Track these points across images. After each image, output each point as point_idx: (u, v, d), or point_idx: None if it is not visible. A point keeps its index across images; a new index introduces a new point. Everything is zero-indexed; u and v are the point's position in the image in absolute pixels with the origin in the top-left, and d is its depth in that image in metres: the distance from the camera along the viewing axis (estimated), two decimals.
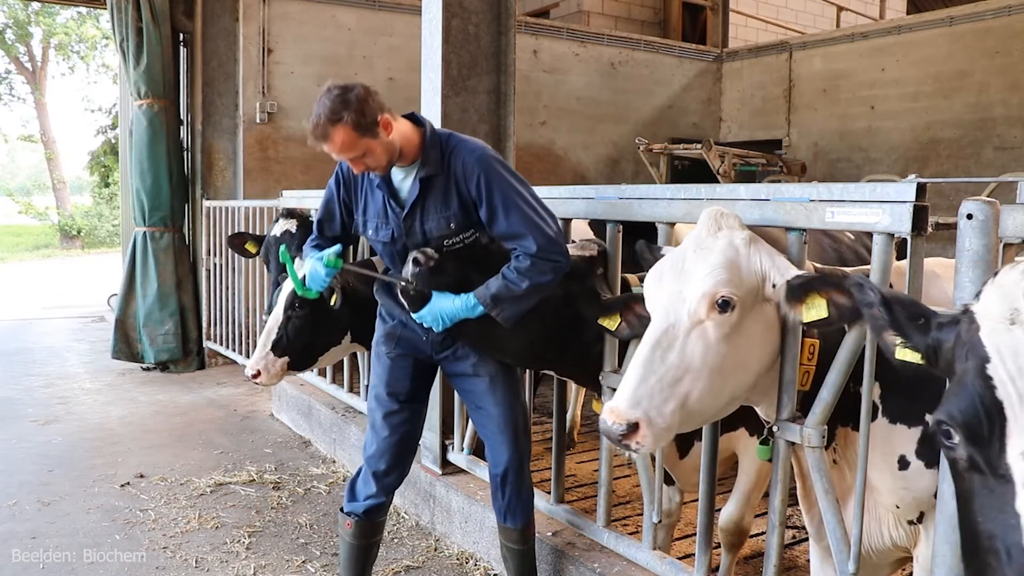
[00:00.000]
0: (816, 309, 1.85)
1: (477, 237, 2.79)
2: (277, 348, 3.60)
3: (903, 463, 2.03)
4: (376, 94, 2.65)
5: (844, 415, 2.10)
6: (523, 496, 2.98)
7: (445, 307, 2.63)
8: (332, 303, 3.63)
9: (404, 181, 2.80)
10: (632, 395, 1.77)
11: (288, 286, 3.70)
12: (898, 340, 1.43)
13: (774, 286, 1.91)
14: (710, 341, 1.83)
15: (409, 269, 2.62)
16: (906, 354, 1.43)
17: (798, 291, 1.86)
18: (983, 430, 1.16)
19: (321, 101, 2.58)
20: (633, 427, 1.76)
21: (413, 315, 2.69)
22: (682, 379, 1.80)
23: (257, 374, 3.62)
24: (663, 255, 2.13)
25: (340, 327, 3.91)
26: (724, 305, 1.82)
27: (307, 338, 3.78)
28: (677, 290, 1.88)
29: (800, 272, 1.91)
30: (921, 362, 1.40)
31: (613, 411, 1.77)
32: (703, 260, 1.88)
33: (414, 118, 2.79)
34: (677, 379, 1.80)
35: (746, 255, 1.90)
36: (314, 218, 3.08)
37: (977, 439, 1.17)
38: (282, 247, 2.90)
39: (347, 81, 2.63)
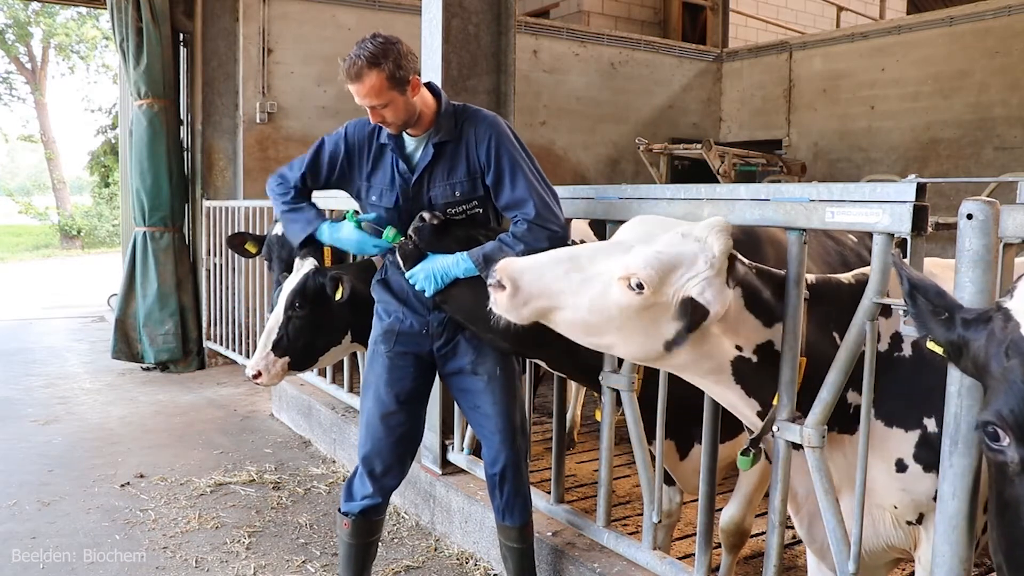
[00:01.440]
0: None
1: (480, 212, 2.83)
2: (278, 348, 3.60)
3: (900, 466, 2.03)
4: (414, 54, 2.73)
5: (831, 419, 2.10)
6: (521, 495, 2.98)
7: (437, 264, 2.64)
8: (339, 297, 3.63)
9: (416, 149, 2.84)
10: (528, 263, 2.00)
11: (289, 286, 3.70)
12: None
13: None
14: (614, 296, 1.90)
15: (413, 224, 2.68)
16: (934, 346, 1.40)
17: (679, 310, 1.92)
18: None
19: (363, 44, 2.65)
20: (499, 284, 1.98)
21: (407, 273, 2.70)
22: (566, 292, 1.95)
23: (258, 374, 3.61)
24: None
25: (340, 327, 3.91)
26: (639, 287, 1.87)
27: (308, 338, 3.78)
28: (630, 247, 1.96)
29: (699, 301, 1.93)
30: (944, 356, 1.37)
31: (503, 265, 2.01)
32: (659, 242, 1.95)
33: (431, 87, 2.85)
34: (565, 288, 1.95)
35: (693, 269, 1.91)
36: (289, 172, 3.01)
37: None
38: (349, 212, 2.93)
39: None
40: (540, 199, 2.69)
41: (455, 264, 2.63)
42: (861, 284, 2.20)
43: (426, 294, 2.69)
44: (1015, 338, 1.18)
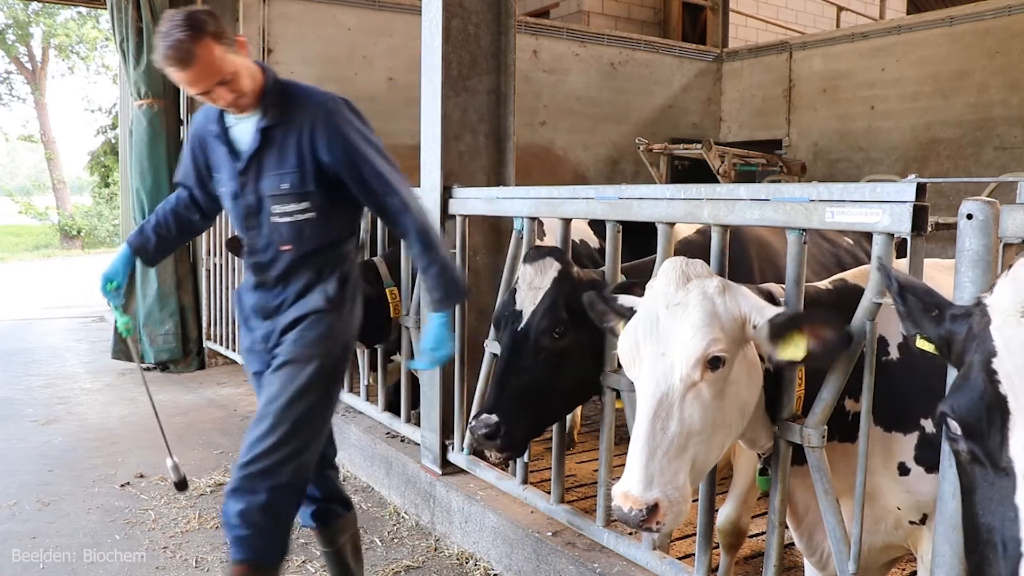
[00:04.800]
0: (794, 347, 1.81)
1: (313, 218, 2.55)
2: None
3: (903, 469, 2.04)
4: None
5: (831, 429, 2.11)
6: (254, 525, 2.53)
7: (434, 350, 2.62)
8: None
9: (243, 132, 2.55)
10: (644, 475, 1.69)
11: None
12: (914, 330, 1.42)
13: (755, 327, 1.86)
14: (707, 401, 1.77)
15: None
16: (924, 344, 1.43)
17: (782, 329, 1.83)
18: (982, 425, 1.16)
19: (168, 25, 2.29)
20: (652, 508, 1.68)
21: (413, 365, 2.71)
22: (687, 445, 1.75)
23: None
24: (621, 305, 2.08)
25: None
26: (716, 363, 1.77)
27: None
28: (659, 354, 1.79)
29: (779, 310, 1.87)
30: (936, 352, 1.39)
31: (627, 496, 1.69)
32: (682, 319, 1.80)
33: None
34: (683, 447, 1.74)
35: (723, 304, 1.83)
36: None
37: (976, 434, 1.17)
38: (109, 282, 2.70)
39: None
40: (404, 186, 2.56)
41: (442, 331, 2.60)
42: (839, 290, 2.23)
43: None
44: (983, 334, 1.21)
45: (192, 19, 2.29)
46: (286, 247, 2.59)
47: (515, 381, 2.62)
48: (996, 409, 1.14)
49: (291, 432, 2.51)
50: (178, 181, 2.88)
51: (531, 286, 2.69)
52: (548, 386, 2.65)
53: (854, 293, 2.14)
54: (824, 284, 2.30)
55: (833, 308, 2.16)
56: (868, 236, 2.17)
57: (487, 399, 2.70)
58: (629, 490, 1.70)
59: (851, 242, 3.55)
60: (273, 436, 2.50)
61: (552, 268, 2.68)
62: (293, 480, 2.55)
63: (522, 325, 2.64)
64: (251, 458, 2.50)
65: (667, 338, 1.80)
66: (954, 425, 1.20)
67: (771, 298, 2.14)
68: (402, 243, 4.28)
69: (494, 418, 2.56)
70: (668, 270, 1.91)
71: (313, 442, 2.62)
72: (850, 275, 2.33)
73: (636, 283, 2.57)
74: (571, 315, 2.61)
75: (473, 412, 3.28)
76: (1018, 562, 1.08)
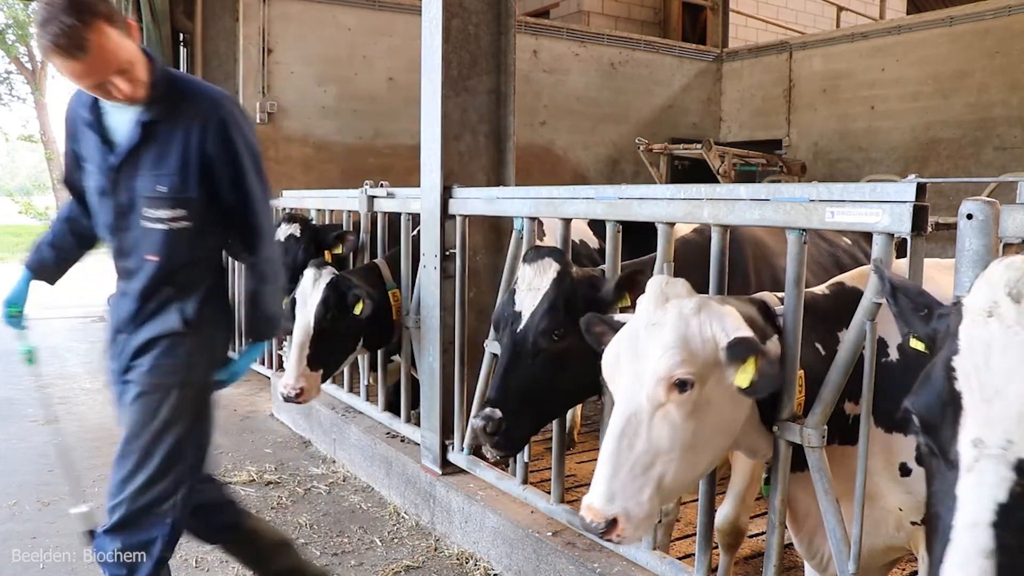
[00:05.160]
0: (743, 374, 1.78)
1: (188, 228, 2.34)
2: (313, 362, 3.63)
3: (904, 470, 2.04)
4: None
5: (831, 432, 2.11)
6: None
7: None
8: (359, 311, 3.68)
9: (120, 123, 2.29)
10: (607, 490, 1.74)
11: (310, 298, 3.74)
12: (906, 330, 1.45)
13: (723, 349, 1.84)
14: (675, 422, 1.77)
15: None
16: (916, 344, 1.45)
17: (734, 354, 1.80)
18: (938, 420, 1.19)
19: (50, 8, 1.98)
20: (612, 522, 1.74)
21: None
22: (654, 463, 1.77)
23: (300, 392, 3.62)
24: (619, 323, 2.06)
25: (358, 335, 3.97)
26: (682, 385, 1.76)
27: (338, 349, 3.86)
28: (635, 373, 1.81)
29: (740, 333, 1.82)
30: (926, 351, 1.42)
31: (590, 508, 1.75)
32: (655, 339, 1.81)
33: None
34: (649, 464, 1.76)
35: (697, 325, 1.82)
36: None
37: (933, 429, 1.20)
38: (11, 307, 2.58)
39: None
40: (269, 218, 2.46)
41: (251, 359, 2.64)
42: (835, 295, 2.24)
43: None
44: (953, 332, 1.24)
45: (80, 1, 2.00)
46: (152, 257, 2.34)
47: (515, 382, 2.62)
48: (951, 405, 1.17)
49: (162, 469, 2.36)
50: (64, 182, 2.57)
51: (530, 287, 2.69)
52: (548, 387, 2.65)
53: (851, 296, 2.14)
54: (820, 289, 2.29)
55: (830, 313, 2.17)
56: (867, 236, 2.17)
57: (490, 393, 2.70)
58: (592, 502, 1.75)
59: (849, 242, 3.55)
60: (142, 475, 2.33)
61: (551, 269, 2.68)
62: (169, 518, 2.41)
63: (521, 327, 2.64)
64: (121, 499, 2.34)
65: (642, 357, 1.81)
66: (915, 420, 1.24)
67: (764, 309, 2.14)
68: (402, 245, 4.28)
69: (498, 413, 2.56)
70: (650, 289, 1.91)
71: (189, 477, 2.46)
72: (848, 278, 2.33)
73: (640, 270, 2.58)
74: (570, 316, 2.60)
75: (474, 409, 3.28)
76: (946, 547, 1.11)
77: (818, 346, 2.16)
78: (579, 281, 2.71)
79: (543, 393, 2.65)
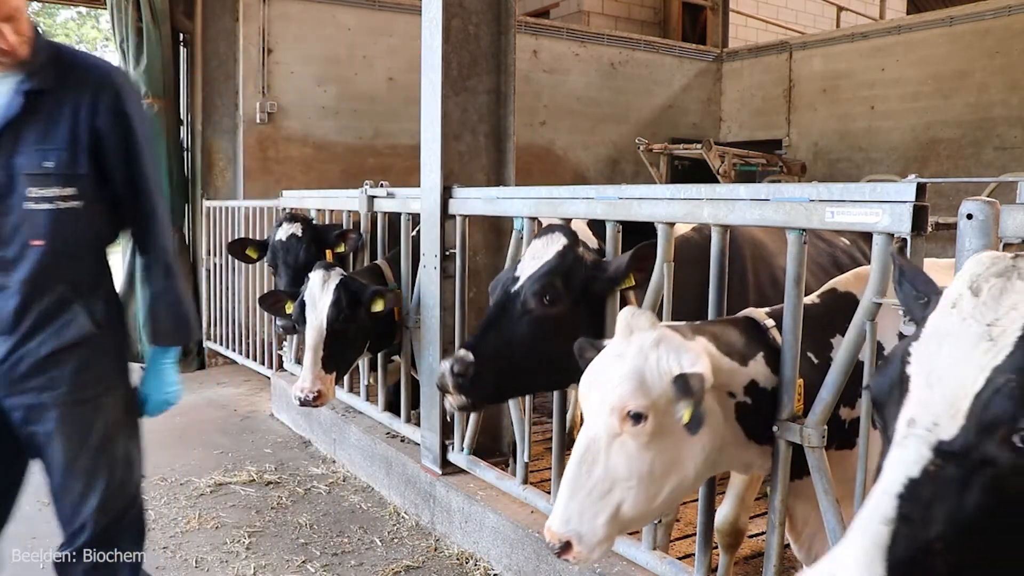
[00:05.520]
0: (688, 410, 1.77)
1: (76, 209, 2.09)
2: (327, 364, 3.63)
3: None
4: None
5: (829, 437, 2.11)
6: None
7: (159, 389, 2.33)
8: (377, 309, 3.71)
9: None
10: (562, 513, 1.79)
11: (321, 299, 3.74)
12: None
13: None
14: (631, 452, 1.79)
15: None
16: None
17: (678, 388, 1.78)
18: (886, 399, 1.26)
19: None
20: (567, 544, 1.78)
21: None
22: (611, 490, 1.80)
23: (318, 396, 3.61)
24: (602, 348, 2.05)
25: (367, 335, 3.98)
26: (637, 417, 1.78)
27: (350, 350, 3.87)
28: (599, 400, 1.83)
29: (690, 370, 1.81)
30: None
31: (548, 529, 1.81)
32: (615, 370, 1.84)
33: None
34: (606, 491, 1.80)
35: (655, 359, 1.82)
36: None
37: (882, 407, 1.28)
38: None
39: None
40: (164, 211, 2.23)
41: (173, 372, 2.31)
42: (826, 304, 2.24)
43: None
44: (925, 320, 1.29)
45: None
46: (38, 241, 2.07)
47: (496, 336, 2.61)
48: (899, 387, 1.23)
49: (115, 484, 2.23)
50: None
51: (534, 256, 2.70)
52: (526, 350, 2.61)
53: (844, 302, 2.14)
54: (812, 298, 2.29)
55: (823, 321, 2.18)
56: (866, 236, 2.17)
57: (468, 339, 2.70)
58: (550, 524, 1.81)
59: (848, 242, 3.55)
60: (95, 497, 2.21)
61: (558, 242, 2.68)
62: (134, 530, 2.33)
63: (516, 287, 2.65)
64: (81, 523, 2.22)
65: (604, 386, 1.85)
66: (871, 398, 1.31)
67: (751, 328, 2.13)
68: (402, 245, 4.28)
69: (471, 357, 2.54)
70: (619, 320, 1.93)
71: (139, 490, 2.34)
72: (840, 283, 2.33)
73: (650, 247, 2.58)
74: (567, 288, 2.61)
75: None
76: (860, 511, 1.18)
77: (811, 355, 2.16)
78: (584, 259, 2.70)
79: (520, 354, 2.61)
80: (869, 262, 3.52)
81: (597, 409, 1.83)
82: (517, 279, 2.68)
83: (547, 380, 2.91)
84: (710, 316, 2.47)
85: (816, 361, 2.16)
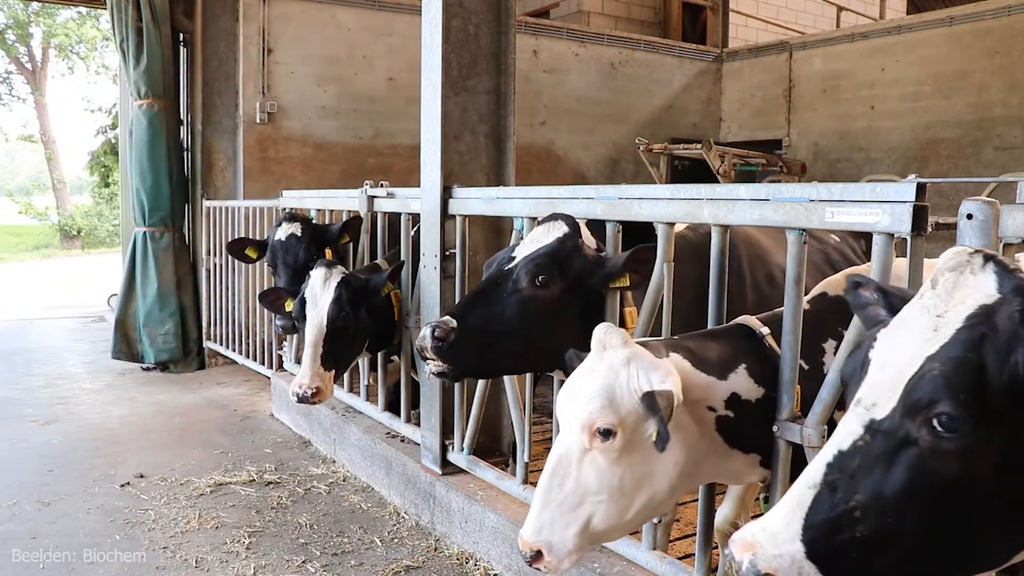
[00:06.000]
0: (655, 431, 1.79)
1: None
2: (327, 361, 3.63)
3: None
4: None
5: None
6: None
7: None
8: (390, 291, 3.83)
9: None
10: (535, 523, 1.83)
11: (321, 297, 3.75)
12: None
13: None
14: (601, 467, 1.82)
15: None
16: None
17: (644, 405, 1.79)
18: (849, 379, 1.38)
19: None
20: (537, 554, 1.82)
21: None
22: (582, 503, 1.83)
23: (316, 392, 3.60)
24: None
25: (367, 334, 3.98)
26: (606, 433, 1.80)
27: (350, 348, 3.86)
28: (572, 415, 1.86)
29: (658, 387, 1.80)
30: None
31: (521, 538, 1.86)
32: (586, 387, 1.85)
33: None
34: (577, 504, 1.83)
35: (625, 376, 1.83)
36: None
37: (847, 386, 1.39)
38: None
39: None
40: None
41: None
42: (816, 310, 2.25)
43: None
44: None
45: None
46: None
47: (483, 307, 2.60)
48: (861, 368, 1.33)
49: None
50: None
51: (534, 239, 2.70)
52: (511, 327, 2.59)
53: (835, 305, 2.15)
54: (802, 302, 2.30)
55: (813, 326, 2.18)
56: (858, 234, 2.17)
57: (454, 307, 2.68)
58: (522, 534, 1.85)
59: (838, 239, 3.56)
60: None
61: (560, 230, 2.68)
62: None
63: (511, 265, 2.65)
64: None
65: (577, 401, 1.87)
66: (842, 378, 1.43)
67: (745, 335, 2.12)
68: (402, 245, 4.28)
69: (454, 323, 2.53)
70: (594, 337, 1.93)
71: None
72: (831, 286, 2.33)
73: (649, 249, 2.58)
74: (562, 274, 2.60)
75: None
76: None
77: (801, 362, 2.16)
78: (583, 250, 2.69)
79: (504, 330, 2.59)
80: (860, 257, 3.55)
81: (570, 424, 1.85)
82: (514, 258, 2.67)
83: (530, 363, 2.88)
84: (710, 316, 2.47)
85: (807, 367, 2.16)
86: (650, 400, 1.77)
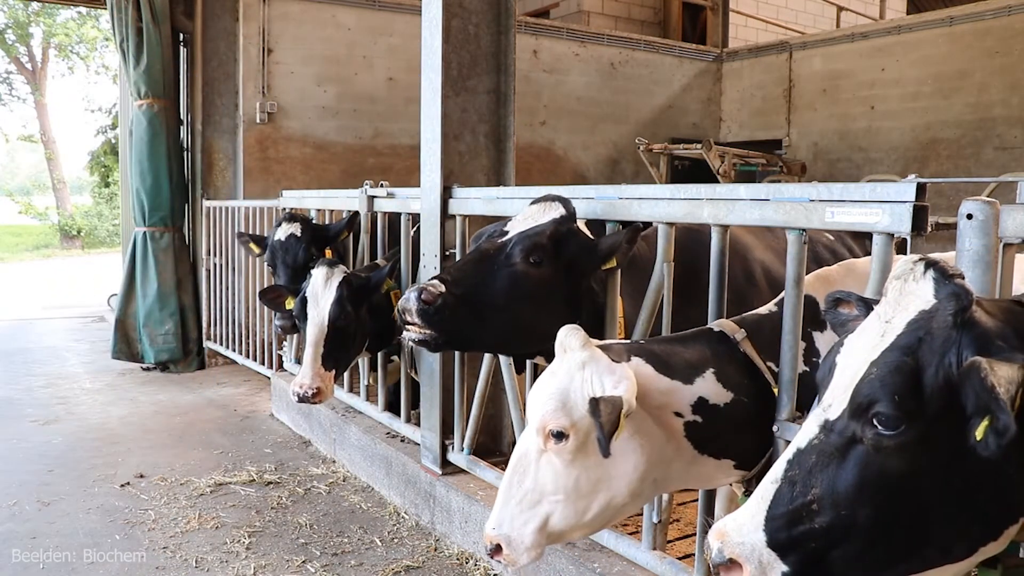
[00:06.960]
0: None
1: None
2: (327, 361, 3.63)
3: None
4: None
5: None
6: None
7: None
8: (390, 287, 3.81)
9: None
10: (495, 518, 1.89)
11: (323, 296, 3.75)
12: None
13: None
14: (557, 468, 1.84)
15: None
16: None
17: (592, 411, 1.78)
18: (822, 385, 1.45)
19: None
20: (496, 547, 1.88)
21: None
22: (540, 502, 1.86)
23: (317, 392, 3.60)
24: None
25: (367, 333, 3.98)
26: (559, 436, 1.81)
27: (350, 347, 3.86)
28: (530, 416, 1.89)
29: (606, 394, 1.79)
30: None
31: (485, 532, 1.91)
32: (544, 388, 1.87)
33: None
34: (535, 502, 1.87)
35: (580, 380, 1.83)
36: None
37: (818, 389, 1.46)
38: None
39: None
40: None
41: None
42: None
43: None
44: None
45: None
46: None
47: (472, 277, 2.56)
48: (830, 372, 1.42)
49: None
50: None
51: (528, 218, 2.66)
52: (497, 300, 2.55)
53: (805, 306, 2.14)
54: (769, 307, 2.28)
55: (776, 328, 2.17)
56: (856, 234, 2.16)
57: (442, 273, 2.63)
58: (485, 528, 1.91)
59: (831, 238, 3.55)
60: None
61: (556, 211, 2.67)
62: None
63: (505, 239, 2.62)
64: None
65: (536, 402, 1.89)
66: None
67: (719, 340, 2.10)
68: (402, 245, 4.28)
69: (442, 287, 2.48)
70: (557, 338, 1.93)
71: None
72: (805, 286, 2.31)
73: (644, 231, 2.57)
74: (555, 254, 2.58)
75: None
76: None
77: (771, 365, 2.13)
78: (578, 233, 2.67)
79: (491, 302, 2.55)
80: (853, 257, 3.54)
81: (530, 424, 1.88)
82: (506, 232, 2.64)
83: (513, 342, 2.82)
84: (710, 315, 2.47)
85: (777, 370, 2.14)
86: (594, 406, 1.77)
